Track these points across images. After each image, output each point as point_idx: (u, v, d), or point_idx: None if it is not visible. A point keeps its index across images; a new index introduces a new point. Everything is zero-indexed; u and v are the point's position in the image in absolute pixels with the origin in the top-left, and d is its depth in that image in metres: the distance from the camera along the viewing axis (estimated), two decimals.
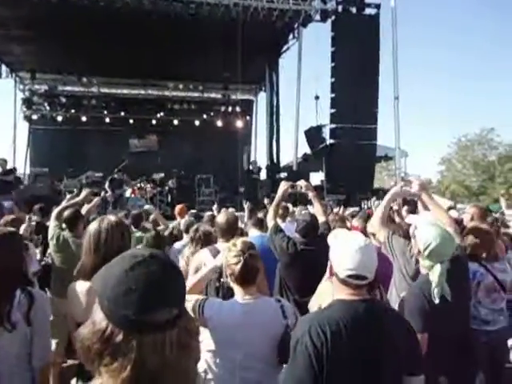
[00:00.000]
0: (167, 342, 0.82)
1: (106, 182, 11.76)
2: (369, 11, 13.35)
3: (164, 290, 0.83)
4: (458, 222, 4.22)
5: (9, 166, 11.60)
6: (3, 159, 11.33)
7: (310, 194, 3.71)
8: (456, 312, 2.19)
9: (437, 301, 2.08)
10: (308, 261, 3.14)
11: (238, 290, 2.05)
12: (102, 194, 11.16)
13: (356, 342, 1.50)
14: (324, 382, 1.47)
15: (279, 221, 4.28)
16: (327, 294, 2.00)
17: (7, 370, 1.85)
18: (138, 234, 4.51)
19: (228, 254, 2.06)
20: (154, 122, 18.66)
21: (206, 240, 3.27)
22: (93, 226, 2.09)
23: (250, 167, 13.26)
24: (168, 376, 0.83)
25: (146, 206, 5.39)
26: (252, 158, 18.58)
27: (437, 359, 2.07)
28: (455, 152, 35.42)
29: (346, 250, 1.61)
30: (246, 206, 5.96)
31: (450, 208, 6.49)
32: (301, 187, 3.77)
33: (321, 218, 3.53)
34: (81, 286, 2.03)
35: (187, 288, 2.07)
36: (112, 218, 2.18)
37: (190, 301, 2.01)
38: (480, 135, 33.95)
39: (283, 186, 3.65)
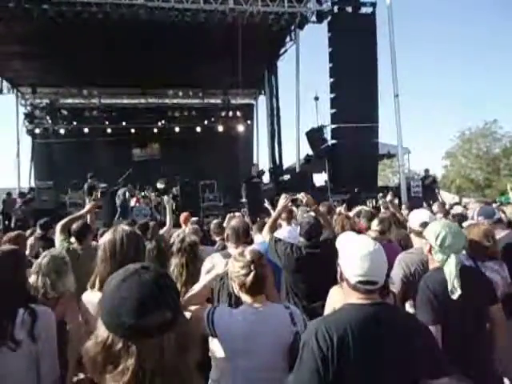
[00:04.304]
0: (166, 346, 0.86)
1: (120, 193, 11.58)
2: (364, 10, 13.38)
3: (156, 295, 0.89)
4: (463, 217, 4.18)
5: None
6: (91, 174, 11.50)
7: (311, 208, 3.68)
8: (467, 309, 2.10)
9: (459, 292, 2.01)
10: (314, 265, 3.10)
11: (246, 298, 2.01)
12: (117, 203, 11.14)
13: (363, 345, 1.47)
14: None
15: (284, 224, 4.27)
16: (339, 299, 1.97)
17: None
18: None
19: (235, 264, 2.02)
20: (155, 130, 18.77)
21: (192, 251, 2.97)
22: (107, 237, 2.07)
23: (253, 173, 13.08)
24: (168, 377, 0.87)
25: (165, 198, 5.26)
26: (255, 161, 18.49)
27: (450, 354, 2.01)
28: (458, 146, 35.16)
29: (355, 255, 1.58)
30: (243, 211, 5.90)
31: (455, 204, 6.41)
32: (301, 201, 3.74)
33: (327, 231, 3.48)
34: (95, 297, 1.99)
35: (192, 292, 2.07)
36: (126, 227, 2.17)
37: (198, 309, 1.99)
38: (483, 128, 33.70)
39: (283, 201, 3.56)
